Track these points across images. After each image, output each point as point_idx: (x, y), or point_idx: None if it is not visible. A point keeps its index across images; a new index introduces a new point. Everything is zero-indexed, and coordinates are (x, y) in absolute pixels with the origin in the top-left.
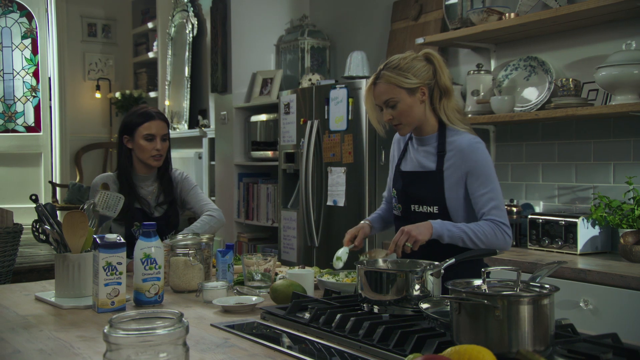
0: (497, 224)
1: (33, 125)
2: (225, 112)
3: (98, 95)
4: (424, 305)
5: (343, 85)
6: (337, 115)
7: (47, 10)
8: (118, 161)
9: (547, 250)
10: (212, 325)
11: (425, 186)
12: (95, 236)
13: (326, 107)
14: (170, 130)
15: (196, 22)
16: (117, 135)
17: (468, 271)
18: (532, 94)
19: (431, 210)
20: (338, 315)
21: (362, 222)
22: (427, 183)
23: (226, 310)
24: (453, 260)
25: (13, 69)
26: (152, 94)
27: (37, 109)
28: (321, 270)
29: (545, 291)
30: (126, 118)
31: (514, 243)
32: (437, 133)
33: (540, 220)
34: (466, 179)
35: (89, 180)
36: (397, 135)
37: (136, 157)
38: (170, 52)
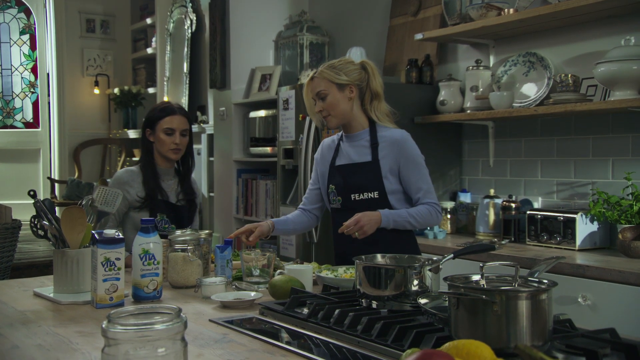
0: (432, 205)
1: (31, 121)
2: (224, 108)
3: (97, 91)
4: (422, 301)
5: None
6: None
7: (45, 6)
8: (141, 153)
9: (545, 246)
10: (210, 320)
11: (364, 175)
12: (93, 232)
13: None
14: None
15: (195, 18)
16: (141, 129)
17: (404, 240)
18: (531, 90)
19: (372, 195)
20: (336, 311)
21: (265, 221)
22: (365, 172)
23: (225, 306)
24: (452, 255)
25: (11, 65)
26: (150, 90)
27: (35, 105)
28: (320, 266)
29: (543, 286)
30: (149, 112)
31: (512, 239)
32: (368, 129)
33: (539, 216)
34: (399, 166)
35: (88, 176)
36: (324, 142)
37: (157, 151)
38: (169, 48)
